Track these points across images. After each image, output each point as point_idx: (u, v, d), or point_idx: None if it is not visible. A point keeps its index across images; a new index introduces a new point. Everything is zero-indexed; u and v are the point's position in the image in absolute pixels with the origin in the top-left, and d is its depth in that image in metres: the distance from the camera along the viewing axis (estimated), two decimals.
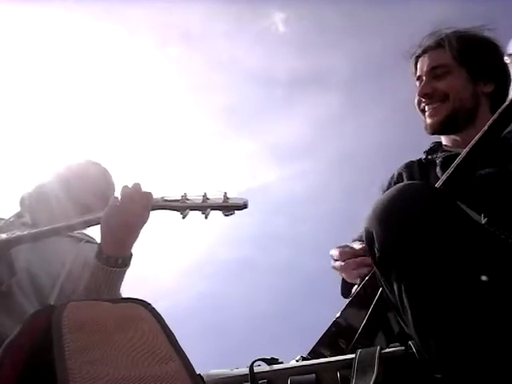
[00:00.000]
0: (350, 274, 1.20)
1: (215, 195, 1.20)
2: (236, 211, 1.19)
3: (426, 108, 1.38)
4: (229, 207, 1.19)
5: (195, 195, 1.22)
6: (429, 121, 1.37)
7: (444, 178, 1.06)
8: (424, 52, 1.40)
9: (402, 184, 0.89)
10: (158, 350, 0.76)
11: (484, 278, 0.74)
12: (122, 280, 1.24)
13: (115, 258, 1.20)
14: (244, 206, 1.19)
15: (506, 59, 1.20)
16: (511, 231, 0.87)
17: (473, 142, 1.04)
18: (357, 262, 1.17)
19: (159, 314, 0.85)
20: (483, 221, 0.90)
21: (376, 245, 0.86)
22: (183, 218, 1.19)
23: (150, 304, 0.87)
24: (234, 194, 1.21)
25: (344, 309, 1.14)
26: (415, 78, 1.42)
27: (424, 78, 1.38)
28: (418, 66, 1.42)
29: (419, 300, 0.79)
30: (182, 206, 1.20)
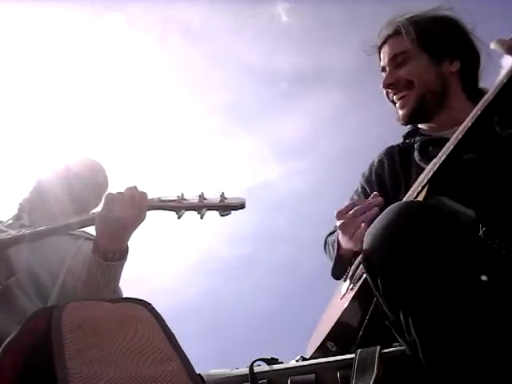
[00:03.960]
0: (347, 231, 1.17)
1: (212, 195, 1.20)
2: (233, 211, 1.18)
3: (395, 98, 1.35)
4: (225, 207, 1.18)
5: (192, 195, 1.21)
6: (400, 112, 1.34)
7: (430, 174, 1.04)
8: (384, 42, 1.38)
9: (398, 206, 0.87)
10: (158, 350, 0.76)
11: (497, 307, 0.73)
12: (120, 273, 1.25)
13: (112, 252, 1.21)
14: (241, 206, 1.18)
15: None
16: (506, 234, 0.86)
17: (459, 135, 1.02)
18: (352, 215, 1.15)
19: (159, 314, 0.85)
20: (481, 231, 0.89)
21: (379, 275, 0.84)
22: (178, 218, 1.19)
23: (150, 304, 0.87)
24: (235, 192, 1.20)
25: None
26: (380, 70, 1.40)
27: (387, 68, 1.36)
28: (381, 57, 1.39)
29: (429, 335, 0.77)
30: (178, 206, 1.20)
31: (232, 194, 1.20)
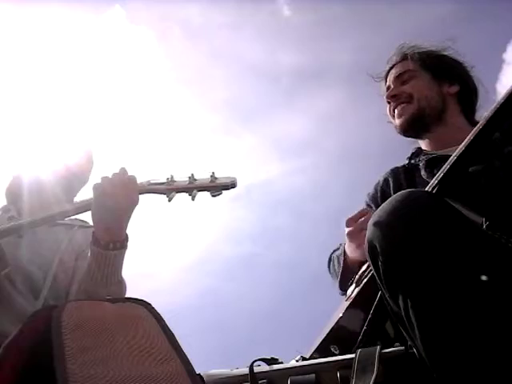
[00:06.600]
0: (354, 239, 1.24)
1: (202, 176, 1.18)
2: (224, 191, 1.16)
3: (395, 111, 1.46)
4: (216, 187, 1.16)
5: (182, 177, 1.20)
6: (397, 121, 1.46)
7: (439, 176, 1.06)
8: (391, 67, 1.54)
9: (402, 193, 0.88)
10: (158, 350, 0.76)
11: (494, 292, 0.73)
12: (122, 261, 1.24)
13: (112, 242, 1.20)
14: (232, 186, 1.16)
15: None
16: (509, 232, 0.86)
17: (466, 141, 1.05)
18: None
19: (159, 314, 0.85)
20: (484, 225, 0.90)
21: (380, 258, 0.85)
22: (169, 200, 1.18)
23: (149, 304, 0.87)
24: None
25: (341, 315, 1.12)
26: (385, 90, 1.52)
27: (392, 85, 1.50)
28: (387, 79, 1.54)
29: (427, 317, 0.78)
30: (168, 189, 1.19)
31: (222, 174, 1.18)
